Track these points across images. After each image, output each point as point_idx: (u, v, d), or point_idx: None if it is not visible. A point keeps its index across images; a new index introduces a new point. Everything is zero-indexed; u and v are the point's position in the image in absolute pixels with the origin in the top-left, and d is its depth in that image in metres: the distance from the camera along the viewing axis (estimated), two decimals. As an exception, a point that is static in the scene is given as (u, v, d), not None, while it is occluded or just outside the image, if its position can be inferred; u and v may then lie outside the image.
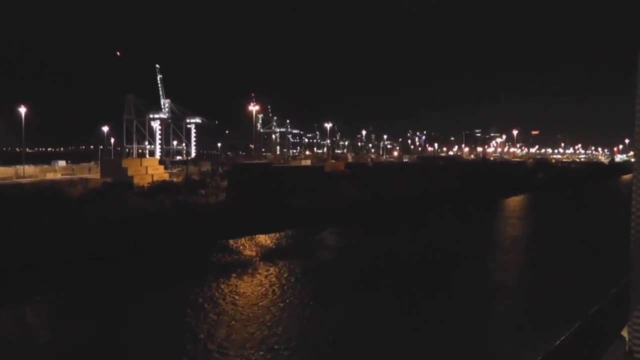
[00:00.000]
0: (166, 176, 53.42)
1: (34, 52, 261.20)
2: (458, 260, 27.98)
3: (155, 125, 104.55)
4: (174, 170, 63.60)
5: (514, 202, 60.06)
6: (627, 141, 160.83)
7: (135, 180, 48.50)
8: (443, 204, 48.96)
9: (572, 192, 72.58)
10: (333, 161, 76.72)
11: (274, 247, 32.00)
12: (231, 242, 32.44)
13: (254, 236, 34.46)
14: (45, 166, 68.05)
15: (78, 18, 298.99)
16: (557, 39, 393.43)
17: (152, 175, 51.64)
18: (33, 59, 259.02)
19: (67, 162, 74.06)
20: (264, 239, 34.18)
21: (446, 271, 25.54)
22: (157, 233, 29.07)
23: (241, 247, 31.58)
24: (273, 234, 35.50)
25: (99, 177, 52.46)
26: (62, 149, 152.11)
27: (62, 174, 60.79)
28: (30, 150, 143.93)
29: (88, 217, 27.84)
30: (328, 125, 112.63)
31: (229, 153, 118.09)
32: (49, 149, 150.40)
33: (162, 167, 56.86)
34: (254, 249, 31.29)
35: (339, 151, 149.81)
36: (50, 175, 58.13)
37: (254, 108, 77.99)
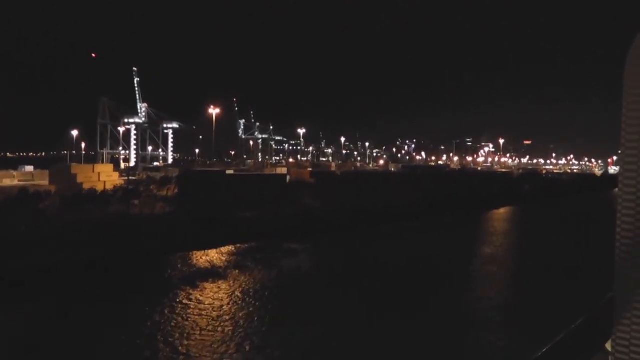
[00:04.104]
0: (121, 183, 50.43)
1: (15, 53, 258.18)
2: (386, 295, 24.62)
3: (122, 129, 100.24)
4: (143, 177, 60.44)
5: (489, 218, 55.91)
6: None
7: (85, 187, 45.68)
8: (391, 222, 43.19)
9: (558, 205, 69.43)
10: (310, 169, 73.55)
11: (205, 266, 28.76)
12: (162, 259, 29.31)
13: (189, 253, 31.36)
14: (11, 171, 65.64)
15: (57, 20, 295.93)
16: (554, 46, 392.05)
17: (105, 182, 48.68)
18: (13, 59, 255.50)
19: (34, 168, 71.33)
20: (199, 257, 31.00)
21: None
22: (69, 249, 25.98)
23: (170, 267, 28.38)
24: (212, 250, 32.39)
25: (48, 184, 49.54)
26: (43, 153, 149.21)
27: (19, 180, 58.06)
28: (11, 155, 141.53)
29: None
30: (302, 131, 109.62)
31: (214, 160, 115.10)
32: (30, 154, 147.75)
33: (116, 173, 53.61)
34: (182, 269, 28.12)
35: (324, 159, 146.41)
36: (7, 182, 55.47)
37: (214, 111, 75.12)
